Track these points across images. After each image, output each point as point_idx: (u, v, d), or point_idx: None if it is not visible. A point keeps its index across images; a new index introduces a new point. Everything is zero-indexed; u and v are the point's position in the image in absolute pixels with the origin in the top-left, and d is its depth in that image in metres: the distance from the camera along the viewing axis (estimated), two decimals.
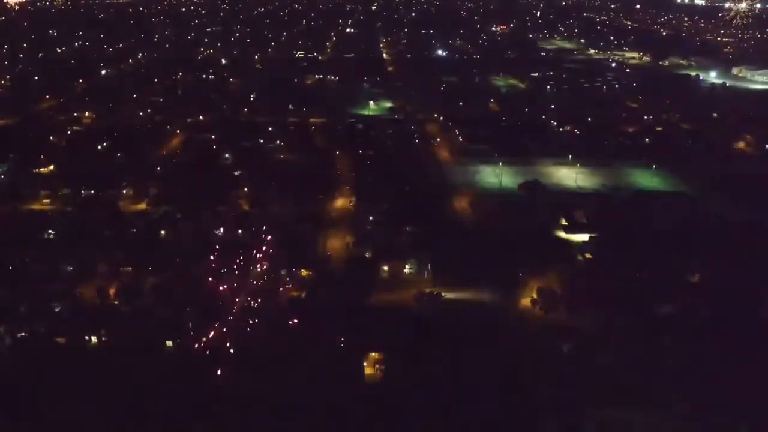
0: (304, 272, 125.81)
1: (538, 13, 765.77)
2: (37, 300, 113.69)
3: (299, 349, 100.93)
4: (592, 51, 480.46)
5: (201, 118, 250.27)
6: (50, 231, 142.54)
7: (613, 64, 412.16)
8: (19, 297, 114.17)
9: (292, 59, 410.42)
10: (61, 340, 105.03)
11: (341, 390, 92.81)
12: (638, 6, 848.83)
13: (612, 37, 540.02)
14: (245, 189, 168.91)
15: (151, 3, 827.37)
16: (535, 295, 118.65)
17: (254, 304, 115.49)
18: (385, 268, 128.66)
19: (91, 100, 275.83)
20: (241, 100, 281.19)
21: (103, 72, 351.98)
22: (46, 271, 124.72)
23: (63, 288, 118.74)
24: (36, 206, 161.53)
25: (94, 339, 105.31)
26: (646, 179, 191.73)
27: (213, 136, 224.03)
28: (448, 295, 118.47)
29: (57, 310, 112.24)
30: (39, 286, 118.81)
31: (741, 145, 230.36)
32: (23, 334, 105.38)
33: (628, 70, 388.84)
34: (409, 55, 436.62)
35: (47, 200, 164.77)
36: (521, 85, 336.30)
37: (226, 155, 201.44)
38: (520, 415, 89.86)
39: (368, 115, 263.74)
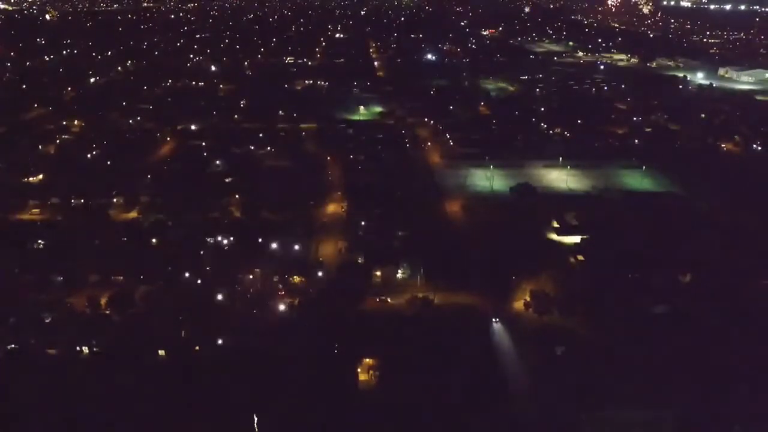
0: (296, 278, 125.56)
1: (526, 17, 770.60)
2: (27, 311, 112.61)
3: (292, 356, 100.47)
4: (580, 53, 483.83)
5: (191, 125, 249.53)
6: (40, 241, 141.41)
7: (602, 66, 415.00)
8: (8, 308, 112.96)
9: (281, 65, 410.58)
10: (52, 351, 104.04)
11: (335, 396, 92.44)
12: (624, 9, 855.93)
13: (600, 40, 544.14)
14: (236, 196, 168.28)
15: (139, 10, 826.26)
16: (527, 298, 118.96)
17: (247, 311, 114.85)
18: (378, 273, 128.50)
19: (80, 109, 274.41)
20: (232, 107, 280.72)
21: (92, 80, 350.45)
22: (35, 282, 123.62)
23: (53, 298, 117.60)
24: (25, 216, 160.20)
25: (85, 350, 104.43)
26: (636, 180, 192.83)
27: (203, 143, 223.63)
28: (440, 299, 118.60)
29: (47, 320, 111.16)
30: (29, 296, 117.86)
31: (729, 144, 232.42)
32: (13, 345, 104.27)
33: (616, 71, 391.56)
34: (398, 60, 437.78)
35: (36, 210, 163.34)
36: (511, 89, 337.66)
37: (217, 162, 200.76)
38: (515, 417, 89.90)
39: (359, 120, 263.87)
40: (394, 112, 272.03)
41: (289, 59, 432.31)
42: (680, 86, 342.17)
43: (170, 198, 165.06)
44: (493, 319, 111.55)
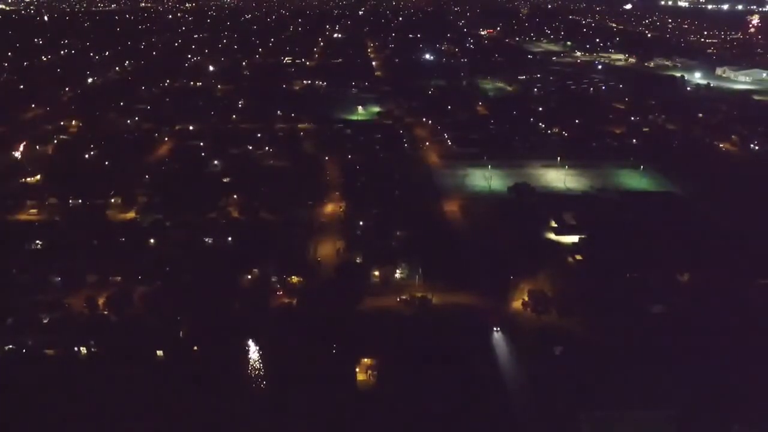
0: (294, 279, 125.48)
1: (524, 17, 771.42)
2: (25, 311, 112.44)
3: (290, 356, 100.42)
4: (578, 53, 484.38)
5: (189, 125, 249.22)
6: (38, 241, 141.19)
7: (600, 66, 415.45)
8: (6, 308, 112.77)
9: (280, 65, 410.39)
10: (50, 351, 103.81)
11: (334, 396, 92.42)
12: (622, 9, 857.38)
13: (598, 40, 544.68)
14: (234, 196, 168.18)
15: (137, 10, 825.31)
16: (526, 298, 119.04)
17: (245, 311, 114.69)
18: (376, 273, 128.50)
19: (78, 109, 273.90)
20: (230, 107, 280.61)
21: (90, 80, 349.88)
22: (33, 282, 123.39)
23: (51, 299, 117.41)
24: (23, 216, 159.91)
25: (83, 350, 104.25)
26: (634, 180, 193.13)
27: (201, 144, 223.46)
28: (438, 299, 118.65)
29: (45, 321, 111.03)
30: (27, 297, 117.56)
31: (726, 144, 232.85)
32: (11, 346, 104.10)
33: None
34: (396, 60, 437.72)
35: (34, 210, 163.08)
36: (509, 88, 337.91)
37: (215, 162, 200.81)
38: (512, 418, 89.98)
39: (357, 120, 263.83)
40: (392, 112, 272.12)
41: (287, 59, 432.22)
42: (678, 86, 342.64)
43: (168, 198, 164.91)
44: (495, 328, 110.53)
